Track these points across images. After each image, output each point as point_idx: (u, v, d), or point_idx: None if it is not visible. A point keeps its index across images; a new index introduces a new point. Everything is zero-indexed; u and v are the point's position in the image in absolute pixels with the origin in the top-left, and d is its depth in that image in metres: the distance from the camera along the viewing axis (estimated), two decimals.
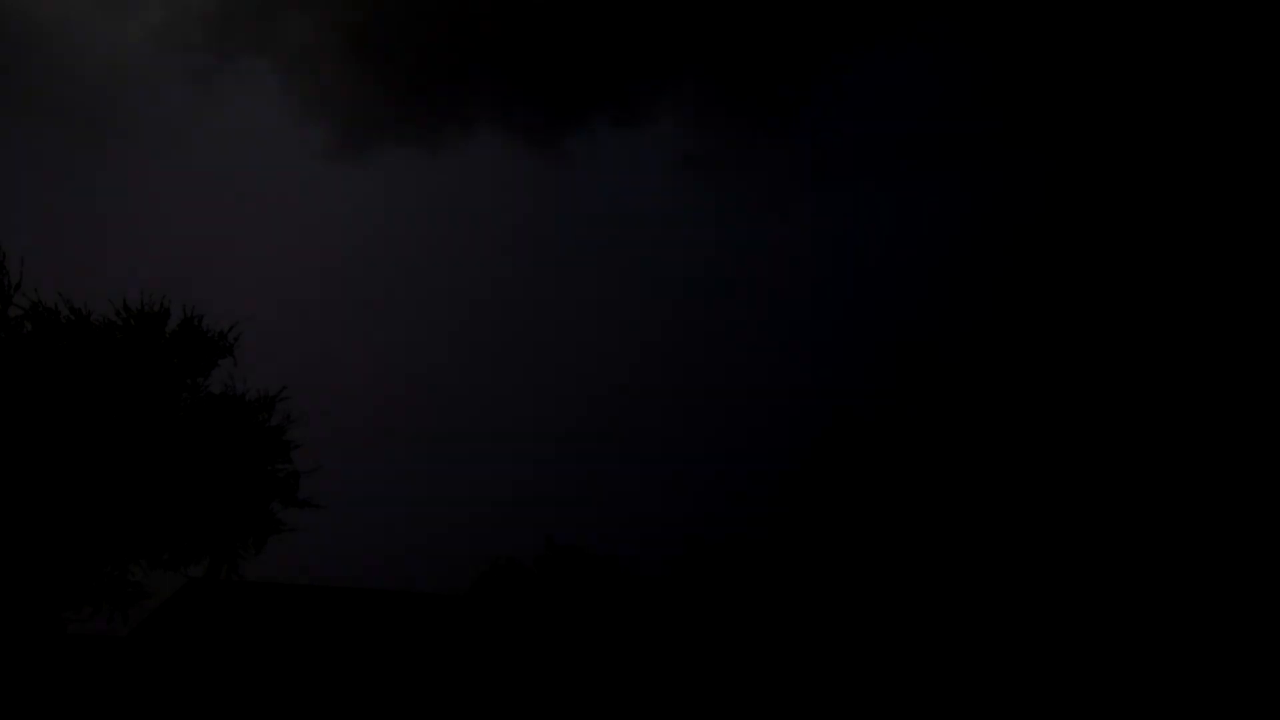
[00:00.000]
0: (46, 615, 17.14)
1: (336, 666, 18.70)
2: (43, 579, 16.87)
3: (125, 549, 17.48)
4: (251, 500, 18.13)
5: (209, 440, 17.78)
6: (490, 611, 23.11)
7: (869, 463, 17.81)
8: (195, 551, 18.01)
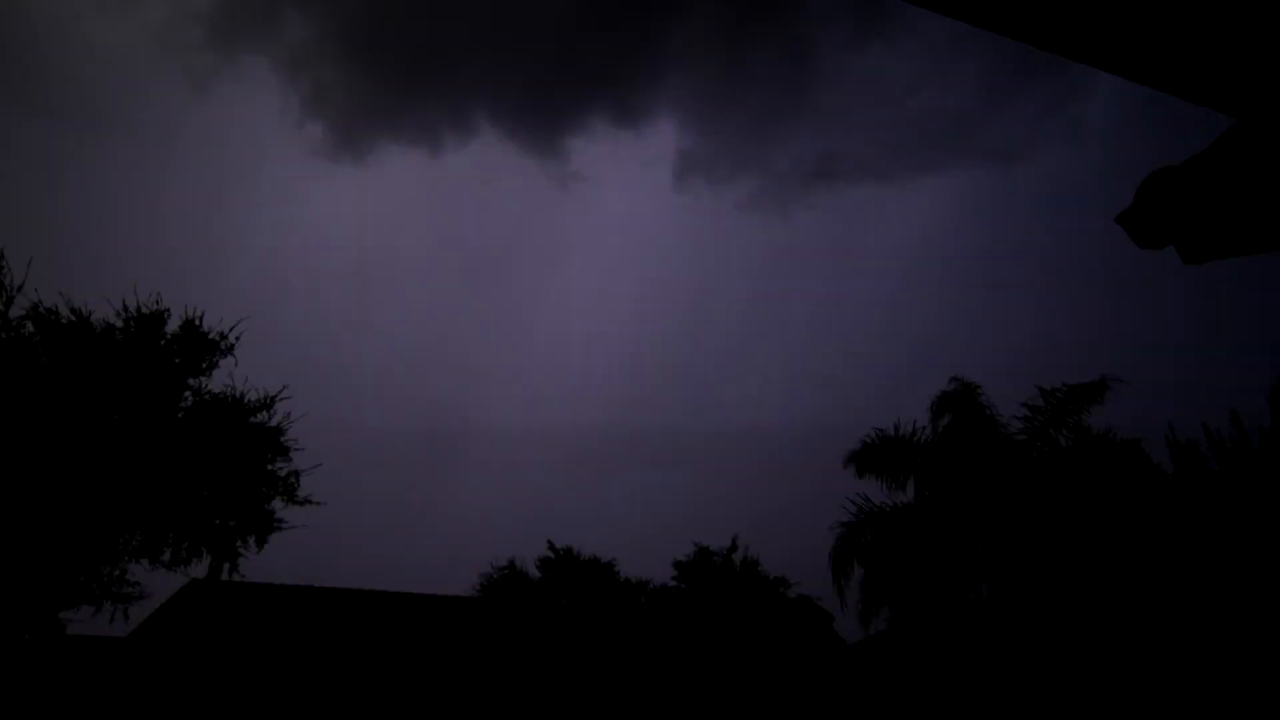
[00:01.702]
0: (46, 615, 17.13)
1: (337, 666, 18.65)
2: (43, 579, 16.86)
3: (126, 549, 17.47)
4: (252, 498, 18.13)
5: (210, 439, 17.78)
6: (495, 613, 23.08)
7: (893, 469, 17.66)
8: (196, 550, 18.00)
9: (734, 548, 27.28)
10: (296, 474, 18.38)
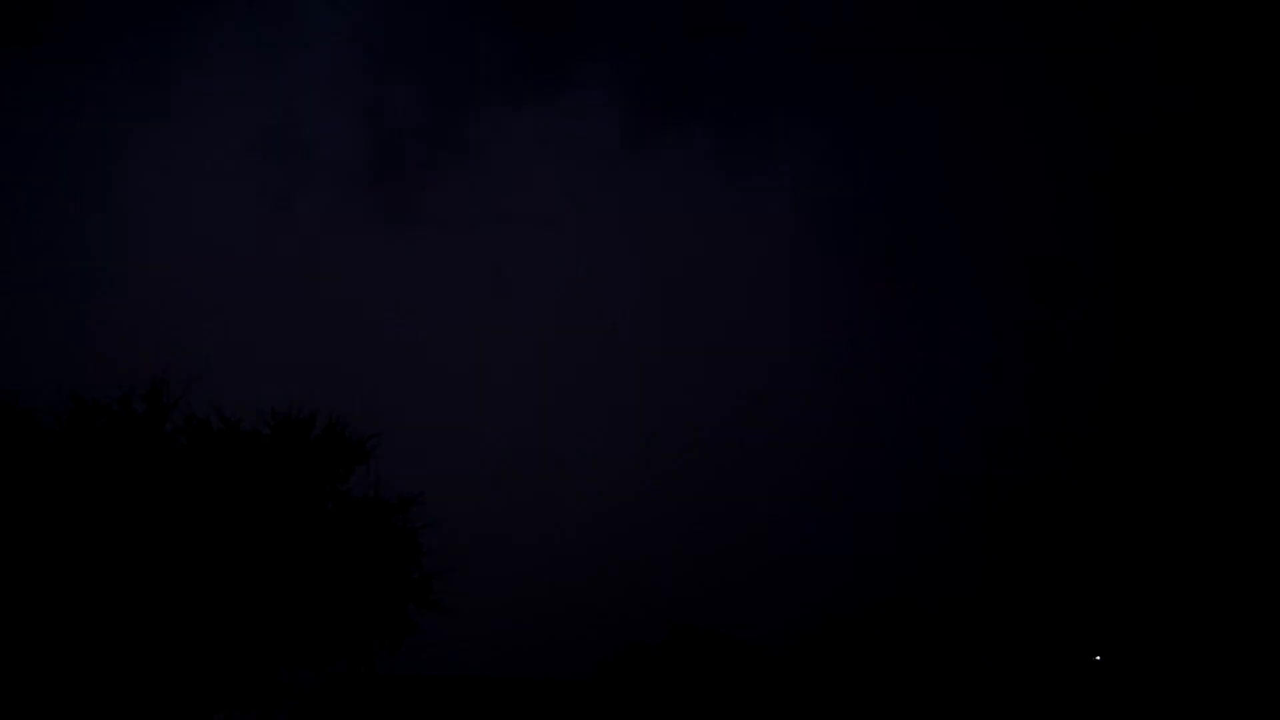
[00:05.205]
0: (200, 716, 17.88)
1: None
2: (197, 681, 17.55)
3: (274, 650, 18.05)
4: (388, 602, 18.51)
5: (350, 543, 18.23)
6: (619, 699, 22.97)
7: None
8: (335, 652, 18.47)
9: None
10: (429, 578, 18.66)
